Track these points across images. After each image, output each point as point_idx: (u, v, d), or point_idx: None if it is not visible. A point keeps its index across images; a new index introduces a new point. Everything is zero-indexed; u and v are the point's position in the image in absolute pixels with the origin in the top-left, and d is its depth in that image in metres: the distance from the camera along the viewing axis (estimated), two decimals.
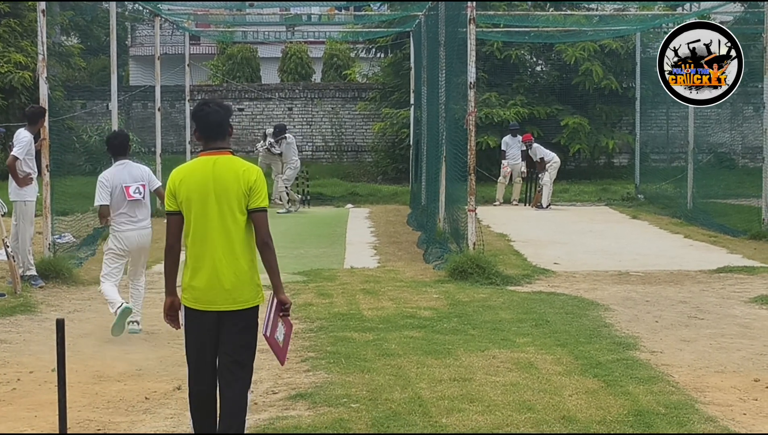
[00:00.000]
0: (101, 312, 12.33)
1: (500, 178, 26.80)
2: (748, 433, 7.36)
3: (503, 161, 26.71)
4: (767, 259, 16.58)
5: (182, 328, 6.72)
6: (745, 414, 7.85)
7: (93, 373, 9.25)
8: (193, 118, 6.76)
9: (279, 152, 24.82)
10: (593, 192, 28.55)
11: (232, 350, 6.59)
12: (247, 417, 6.75)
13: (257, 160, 24.11)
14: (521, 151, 26.51)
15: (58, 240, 16.48)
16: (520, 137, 26.60)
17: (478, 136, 16.01)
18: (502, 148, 26.86)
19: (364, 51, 37.05)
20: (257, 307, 6.68)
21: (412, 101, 26.66)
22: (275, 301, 6.72)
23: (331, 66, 40.13)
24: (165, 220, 6.69)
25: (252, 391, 8.60)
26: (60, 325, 6.02)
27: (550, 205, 25.50)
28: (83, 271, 15.15)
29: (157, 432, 7.48)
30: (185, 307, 6.63)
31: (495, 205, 26.19)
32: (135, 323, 11.13)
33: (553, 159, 25.77)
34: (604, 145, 30.83)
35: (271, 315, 6.70)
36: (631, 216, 23.72)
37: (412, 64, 26.72)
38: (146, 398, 8.39)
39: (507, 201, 26.72)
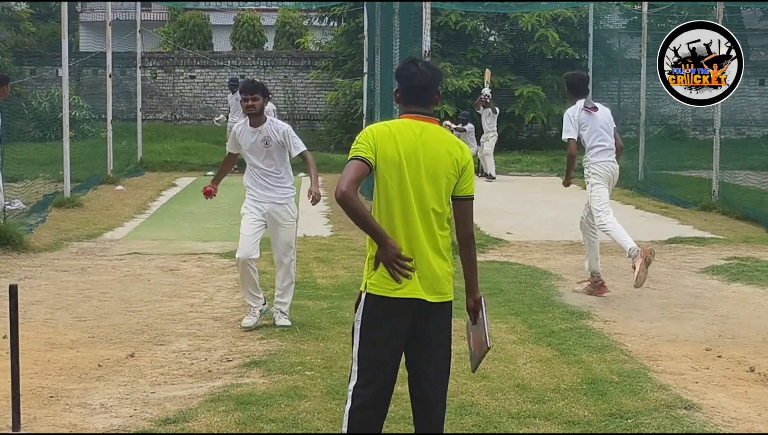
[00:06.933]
0: (52, 279, 12.24)
1: None
2: (701, 401, 7.42)
3: None
4: (717, 230, 16.73)
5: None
6: (697, 382, 7.92)
7: (45, 340, 9.17)
8: (396, 77, 5.70)
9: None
10: (545, 163, 28.63)
11: None
12: (202, 386, 6.63)
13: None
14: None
15: (8, 206, 16.31)
16: (469, 127, 26.48)
17: None
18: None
19: (317, 19, 36.88)
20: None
21: (365, 70, 26.57)
22: (485, 302, 5.70)
23: (283, 34, 39.90)
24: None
25: (206, 359, 8.60)
26: (13, 291, 5.94)
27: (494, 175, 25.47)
28: (33, 237, 14.99)
29: (111, 398, 7.43)
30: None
31: None
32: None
33: (494, 129, 25.77)
34: (558, 114, 30.92)
35: (486, 319, 5.71)
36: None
37: (366, 33, 26.62)
38: (99, 365, 8.32)
39: None
